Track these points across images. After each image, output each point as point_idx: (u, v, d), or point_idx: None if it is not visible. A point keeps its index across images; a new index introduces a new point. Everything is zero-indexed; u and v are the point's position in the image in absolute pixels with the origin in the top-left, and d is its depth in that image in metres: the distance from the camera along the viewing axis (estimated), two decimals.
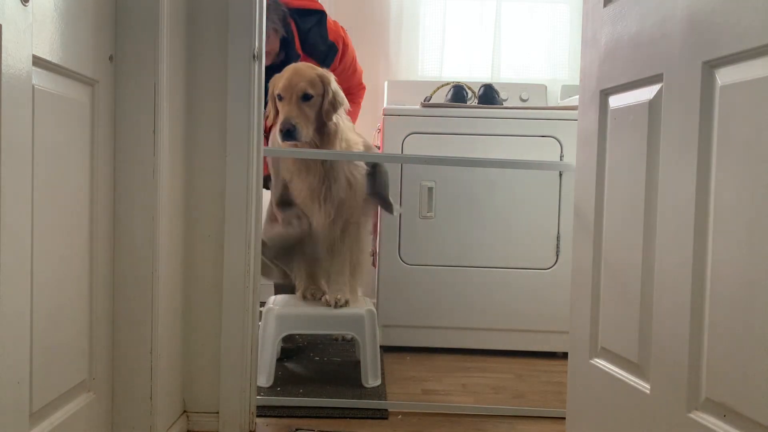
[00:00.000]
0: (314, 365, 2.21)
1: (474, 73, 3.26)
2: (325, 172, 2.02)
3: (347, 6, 3.31)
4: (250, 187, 1.59)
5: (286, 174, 2.08)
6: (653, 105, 1.24)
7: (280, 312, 2.00)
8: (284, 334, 2.03)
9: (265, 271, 2.01)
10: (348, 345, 2.44)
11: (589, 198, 1.47)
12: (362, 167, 2.12)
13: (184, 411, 1.62)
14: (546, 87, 3.12)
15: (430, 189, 2.42)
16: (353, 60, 2.51)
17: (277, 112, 1.99)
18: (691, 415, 1.11)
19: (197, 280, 1.60)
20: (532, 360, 2.38)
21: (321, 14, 2.37)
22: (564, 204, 2.38)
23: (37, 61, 1.04)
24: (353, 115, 2.59)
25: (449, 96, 2.68)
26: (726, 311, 1.04)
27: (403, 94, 3.01)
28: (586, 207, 1.49)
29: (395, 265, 2.43)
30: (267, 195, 2.19)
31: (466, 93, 2.68)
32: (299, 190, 2.06)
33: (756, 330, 0.98)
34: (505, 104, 2.75)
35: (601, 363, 1.43)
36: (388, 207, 2.22)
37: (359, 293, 2.25)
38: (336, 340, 2.50)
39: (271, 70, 2.01)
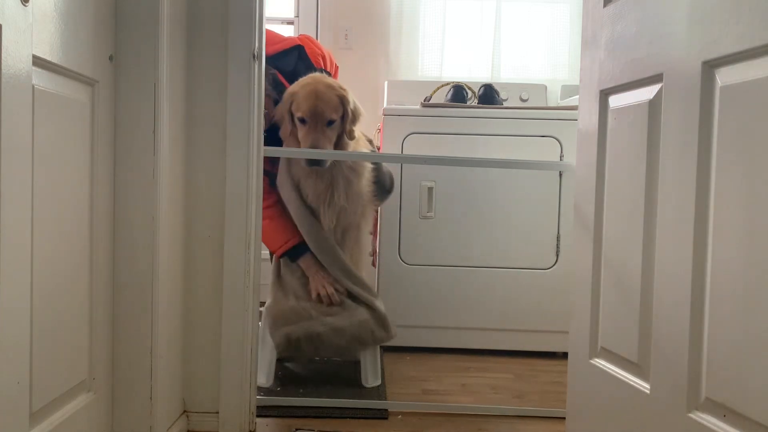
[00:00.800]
0: (314, 365, 2.21)
1: (474, 73, 3.27)
2: (333, 177, 2.04)
3: (347, 6, 3.32)
4: (250, 187, 1.59)
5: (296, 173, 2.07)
6: (653, 105, 1.24)
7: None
8: None
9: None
10: None
11: (589, 198, 1.47)
12: (368, 172, 2.13)
13: (184, 411, 1.62)
14: (546, 87, 3.13)
15: (430, 189, 2.42)
16: (331, 59, 2.49)
17: (293, 127, 2.00)
18: (691, 415, 1.11)
19: (197, 280, 1.60)
20: (532, 360, 2.38)
21: (298, 48, 2.32)
22: (564, 204, 2.38)
23: (37, 61, 1.04)
24: None
25: (449, 96, 2.68)
26: (726, 311, 1.04)
27: (403, 94, 3.01)
28: (586, 207, 1.49)
29: (395, 265, 2.43)
30: None
31: (466, 93, 2.69)
32: (306, 194, 2.07)
33: (756, 330, 0.98)
34: (505, 104, 2.75)
35: (601, 363, 1.43)
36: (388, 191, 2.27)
37: None
38: None
39: (270, 130, 2.01)
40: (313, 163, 1.95)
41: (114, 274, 1.38)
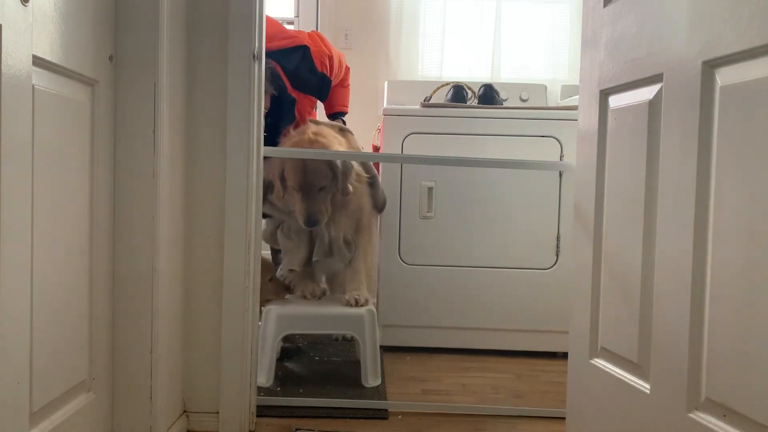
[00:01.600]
0: (314, 365, 2.21)
1: (474, 73, 3.27)
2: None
3: (347, 6, 3.32)
4: (250, 187, 1.59)
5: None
6: (653, 105, 1.24)
7: (280, 312, 2.00)
8: (284, 333, 2.03)
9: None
10: (348, 345, 2.44)
11: (589, 198, 1.47)
12: (364, 178, 2.18)
13: (184, 411, 1.62)
14: (546, 87, 3.12)
15: (430, 189, 2.42)
16: (339, 59, 2.49)
17: (284, 191, 2.06)
18: (691, 415, 1.11)
19: (197, 280, 1.60)
20: (532, 360, 2.38)
21: (304, 49, 2.32)
22: (564, 204, 2.38)
23: (37, 61, 1.04)
24: (345, 98, 2.62)
25: (449, 96, 2.68)
26: (726, 311, 1.04)
27: (403, 94, 3.01)
28: (586, 207, 1.49)
29: (395, 265, 2.43)
30: None
31: (466, 93, 2.69)
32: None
33: (756, 330, 0.98)
34: (505, 104, 2.75)
35: (601, 363, 1.43)
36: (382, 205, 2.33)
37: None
38: (336, 340, 2.50)
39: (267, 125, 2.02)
40: (311, 224, 2.03)
41: (114, 274, 1.38)
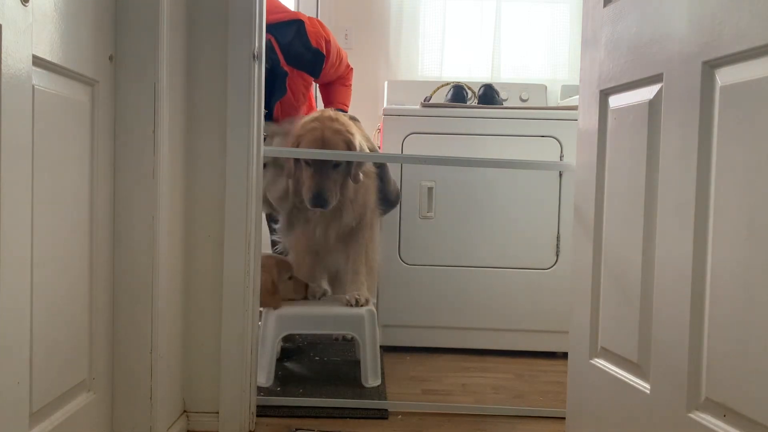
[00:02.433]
0: (314, 365, 2.21)
1: (474, 73, 3.27)
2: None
3: (347, 6, 3.32)
4: (250, 187, 1.59)
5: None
6: (653, 105, 1.24)
7: (280, 312, 2.00)
8: (284, 333, 2.03)
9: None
10: (348, 345, 2.44)
11: (589, 198, 1.48)
12: (372, 183, 2.17)
13: (184, 411, 1.62)
14: (546, 87, 3.12)
15: (430, 189, 2.42)
16: (338, 51, 2.48)
17: (297, 169, 2.02)
18: (691, 415, 1.11)
19: (197, 280, 1.60)
20: (532, 360, 2.38)
21: (299, 23, 2.31)
22: (564, 204, 2.38)
23: (37, 61, 1.04)
24: (346, 97, 2.61)
25: (449, 96, 2.68)
26: (726, 311, 1.04)
27: (403, 94, 3.01)
28: (586, 207, 1.49)
29: (395, 265, 2.43)
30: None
31: (466, 93, 2.68)
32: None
33: (756, 330, 0.98)
34: (505, 104, 2.75)
35: (601, 363, 1.43)
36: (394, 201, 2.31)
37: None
38: (336, 340, 2.49)
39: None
40: (317, 205, 1.98)
41: (114, 274, 1.38)
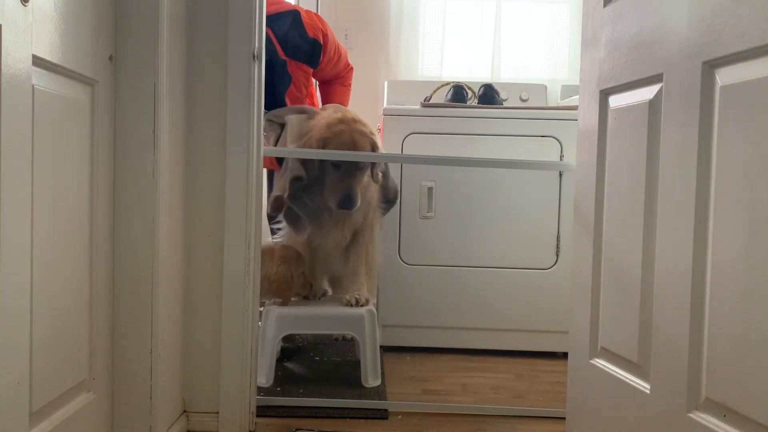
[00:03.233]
0: (314, 365, 2.21)
1: (474, 73, 3.26)
2: None
3: (347, 6, 3.32)
4: (250, 187, 1.59)
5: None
6: (653, 105, 1.24)
7: (280, 312, 2.00)
8: (284, 334, 2.03)
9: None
10: (348, 345, 2.44)
11: (589, 198, 1.48)
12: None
13: (184, 411, 1.62)
14: (546, 87, 3.12)
15: (430, 189, 2.42)
16: (336, 46, 2.48)
17: (320, 170, 2.01)
18: (691, 415, 1.11)
19: (197, 280, 1.60)
20: (532, 360, 2.38)
21: (294, 13, 2.31)
22: (564, 204, 2.38)
23: (37, 61, 1.04)
24: (345, 97, 2.61)
25: (449, 96, 2.68)
26: (726, 311, 1.04)
27: (403, 94, 3.01)
28: (586, 207, 1.49)
29: (395, 265, 2.43)
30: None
31: (466, 93, 2.68)
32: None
33: (756, 330, 0.98)
34: (505, 104, 2.75)
35: (601, 363, 1.43)
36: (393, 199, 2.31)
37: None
38: (336, 340, 2.50)
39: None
40: (345, 207, 1.97)
41: (114, 274, 1.38)
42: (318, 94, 2.71)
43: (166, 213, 1.43)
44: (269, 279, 1.96)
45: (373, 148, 2.02)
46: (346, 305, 2.04)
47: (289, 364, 2.20)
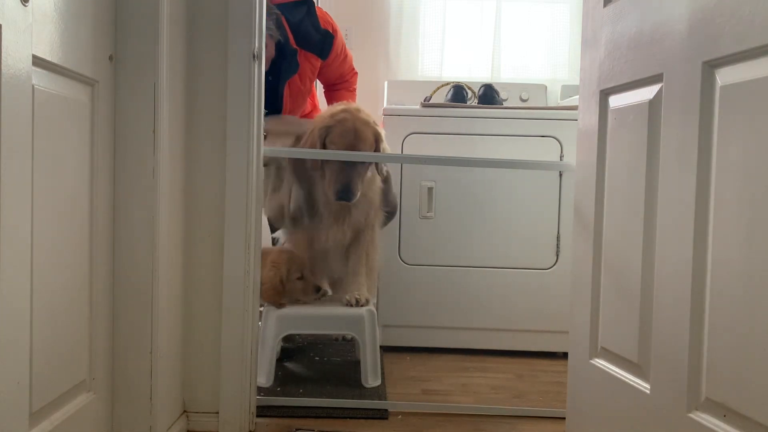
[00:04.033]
0: (314, 365, 2.21)
1: (474, 73, 3.26)
2: None
3: (347, 6, 3.31)
4: (250, 187, 1.59)
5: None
6: (653, 105, 1.24)
7: (280, 312, 2.00)
8: (284, 334, 2.03)
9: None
10: (348, 345, 2.44)
11: (589, 198, 1.48)
12: (377, 187, 2.17)
13: (184, 411, 1.62)
14: (546, 87, 3.12)
15: (430, 189, 2.42)
16: (343, 45, 2.50)
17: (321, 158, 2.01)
18: (691, 415, 1.11)
19: (197, 280, 1.60)
20: (532, 360, 2.38)
21: (309, 3, 2.34)
22: (564, 204, 2.38)
23: (37, 61, 1.04)
24: (349, 101, 2.61)
25: (449, 96, 2.68)
26: (726, 311, 1.04)
27: (403, 94, 3.01)
28: (586, 207, 1.49)
29: (395, 265, 2.43)
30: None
31: (466, 93, 2.68)
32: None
33: (756, 330, 0.98)
34: (505, 104, 2.75)
35: (601, 363, 1.43)
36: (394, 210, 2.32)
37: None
38: (336, 340, 2.49)
39: (268, 72, 2.02)
40: (342, 198, 1.97)
41: (114, 274, 1.38)
42: (321, 97, 2.73)
43: (166, 213, 1.43)
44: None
45: (377, 138, 2.01)
46: (346, 305, 2.04)
47: (289, 364, 2.20)
